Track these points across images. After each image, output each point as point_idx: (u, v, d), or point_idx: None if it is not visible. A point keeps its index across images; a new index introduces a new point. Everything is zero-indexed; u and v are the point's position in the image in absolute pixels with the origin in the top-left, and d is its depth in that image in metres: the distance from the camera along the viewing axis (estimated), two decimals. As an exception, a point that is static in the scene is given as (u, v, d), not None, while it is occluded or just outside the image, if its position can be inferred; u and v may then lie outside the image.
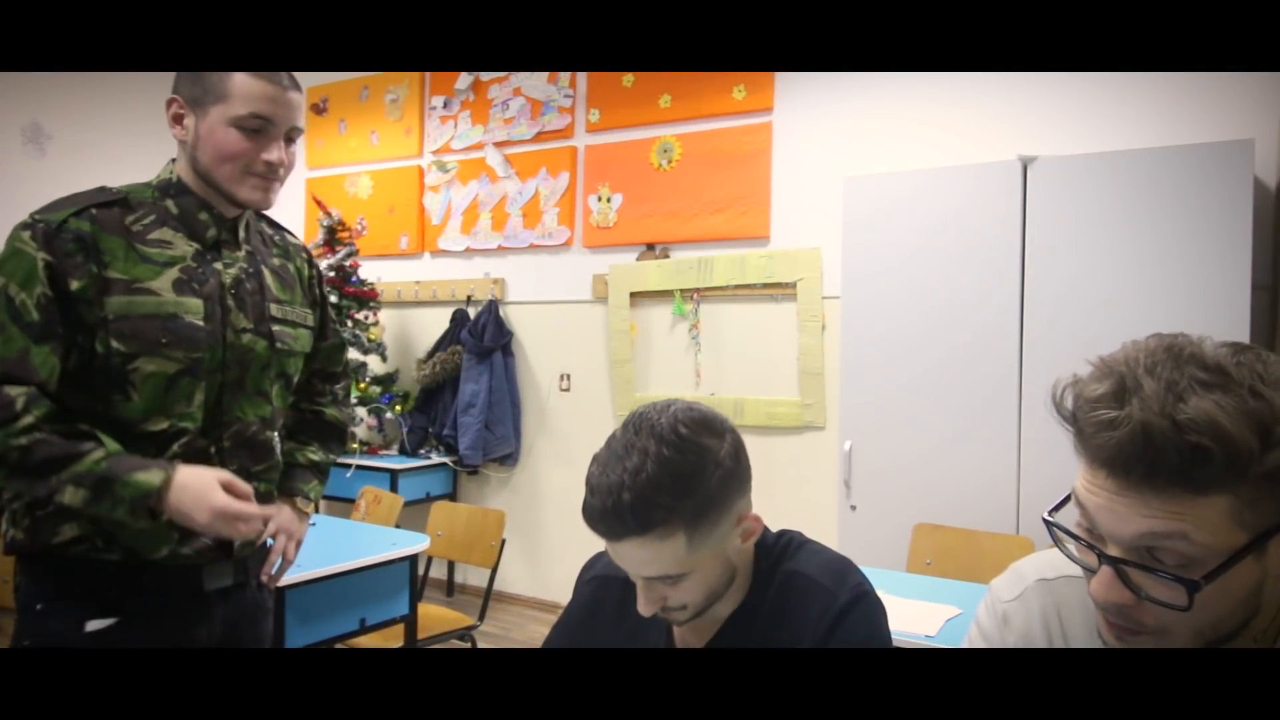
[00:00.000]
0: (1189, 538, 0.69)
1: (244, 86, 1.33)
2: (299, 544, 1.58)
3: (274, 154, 1.38)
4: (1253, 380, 0.69)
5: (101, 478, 1.23)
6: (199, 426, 1.37)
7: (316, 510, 1.63)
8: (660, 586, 1.04)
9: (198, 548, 1.38)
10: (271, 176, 1.39)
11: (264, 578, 1.52)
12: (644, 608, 1.05)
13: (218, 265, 1.41)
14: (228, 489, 1.29)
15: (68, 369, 1.28)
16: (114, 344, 1.28)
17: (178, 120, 1.37)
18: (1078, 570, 0.91)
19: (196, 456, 1.36)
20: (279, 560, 1.54)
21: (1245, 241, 2.46)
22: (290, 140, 1.42)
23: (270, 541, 1.53)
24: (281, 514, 1.55)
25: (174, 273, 1.35)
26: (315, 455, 1.67)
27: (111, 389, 1.30)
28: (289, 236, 1.64)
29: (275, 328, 1.48)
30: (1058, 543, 0.81)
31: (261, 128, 1.35)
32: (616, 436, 1.03)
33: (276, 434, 1.53)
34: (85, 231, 1.29)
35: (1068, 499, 0.79)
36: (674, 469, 0.98)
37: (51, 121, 4.57)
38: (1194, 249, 2.52)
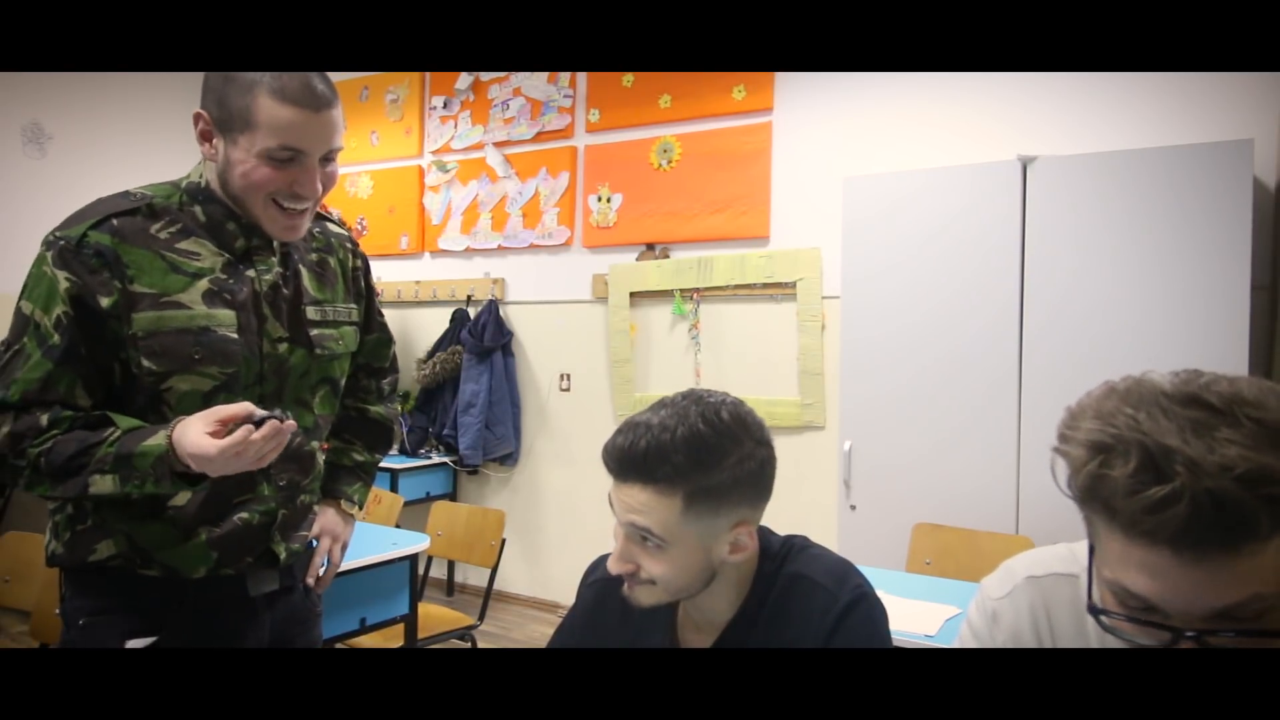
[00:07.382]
0: (1262, 596, 0.68)
1: (271, 116, 1.20)
2: (344, 547, 1.55)
3: (305, 185, 1.26)
4: (1230, 406, 0.69)
5: (118, 457, 1.16)
6: None
7: (361, 508, 1.62)
8: (637, 549, 1.07)
9: (239, 568, 1.33)
10: (303, 207, 1.29)
11: (310, 580, 1.48)
12: (614, 562, 1.09)
13: (250, 273, 1.32)
14: (218, 423, 1.13)
15: (108, 389, 1.23)
16: (145, 363, 1.22)
17: (205, 138, 1.27)
18: (1067, 568, 0.91)
19: (242, 474, 1.23)
20: (324, 563, 1.50)
21: (1245, 241, 2.46)
22: (329, 160, 1.30)
23: (315, 543, 1.50)
24: (325, 516, 1.53)
25: (204, 284, 1.27)
26: (360, 456, 1.63)
27: (148, 409, 1.24)
28: (332, 226, 1.52)
29: (314, 332, 1.39)
30: (1112, 632, 0.77)
31: (293, 157, 1.24)
32: (667, 399, 1.08)
33: (318, 444, 1.45)
34: (105, 245, 1.21)
35: (1091, 577, 0.76)
36: (700, 440, 1.03)
37: (51, 121, 4.56)
38: (1194, 249, 2.52)
